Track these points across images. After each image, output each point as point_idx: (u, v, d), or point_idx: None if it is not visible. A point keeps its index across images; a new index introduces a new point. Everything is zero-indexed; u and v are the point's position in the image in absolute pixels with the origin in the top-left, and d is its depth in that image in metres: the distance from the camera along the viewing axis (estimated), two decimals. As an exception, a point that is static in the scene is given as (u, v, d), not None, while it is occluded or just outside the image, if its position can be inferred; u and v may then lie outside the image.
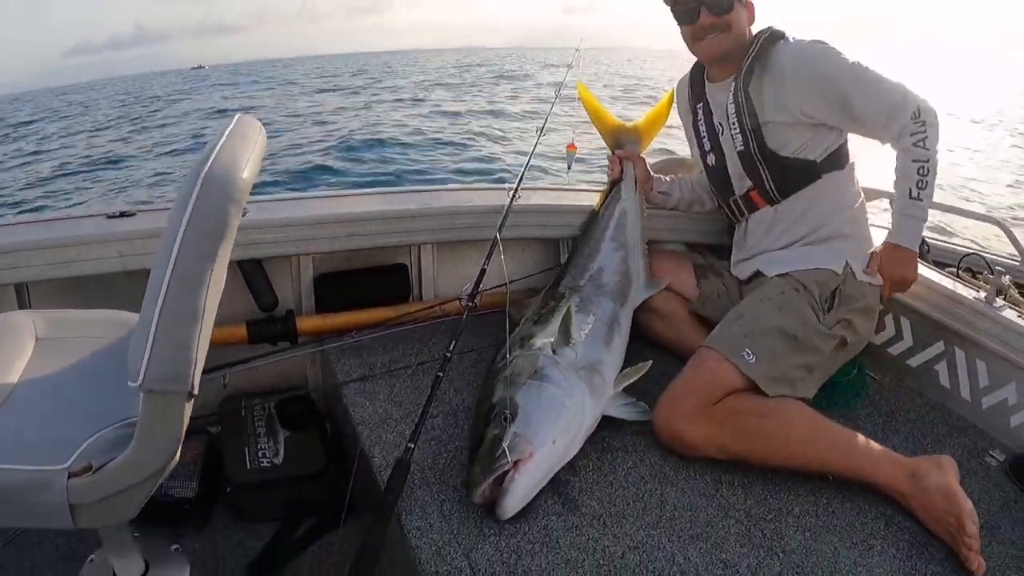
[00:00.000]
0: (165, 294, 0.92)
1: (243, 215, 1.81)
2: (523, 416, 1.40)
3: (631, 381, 1.63)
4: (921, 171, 1.67)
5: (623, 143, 2.20)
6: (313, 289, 2.04)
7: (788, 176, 1.82)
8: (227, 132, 1.04)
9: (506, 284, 1.69)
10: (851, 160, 1.87)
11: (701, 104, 1.98)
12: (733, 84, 1.82)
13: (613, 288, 1.91)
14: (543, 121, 2.13)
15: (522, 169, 2.01)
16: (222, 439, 1.81)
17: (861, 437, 1.52)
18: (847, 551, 1.33)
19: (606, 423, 1.59)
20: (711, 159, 1.98)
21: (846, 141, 1.84)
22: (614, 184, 2.11)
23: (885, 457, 1.49)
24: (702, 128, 1.98)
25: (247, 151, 1.05)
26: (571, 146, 2.23)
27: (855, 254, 1.80)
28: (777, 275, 1.81)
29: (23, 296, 1.72)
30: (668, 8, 1.86)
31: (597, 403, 1.54)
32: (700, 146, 2.01)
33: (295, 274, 2.03)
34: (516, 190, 1.97)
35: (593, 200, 2.19)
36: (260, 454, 1.75)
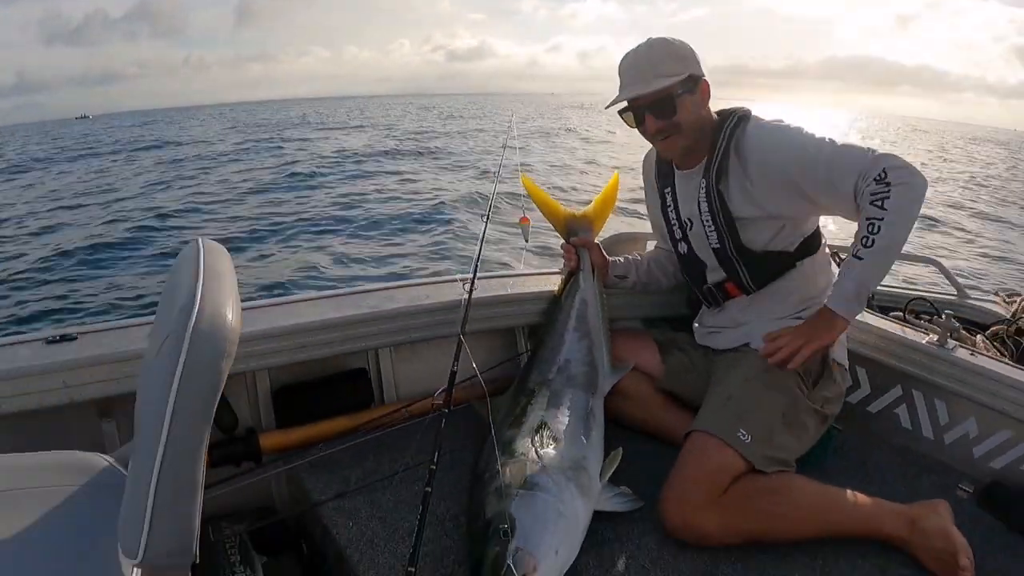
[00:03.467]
0: (160, 466, 0.86)
1: None
2: (521, 530, 1.37)
3: (611, 471, 1.64)
4: (871, 228, 1.57)
5: (576, 231, 2.19)
6: (272, 404, 1.96)
7: (764, 269, 1.81)
8: (201, 271, 0.98)
9: (481, 381, 1.65)
10: (824, 240, 1.88)
11: (669, 190, 1.94)
12: (704, 181, 1.77)
13: (582, 379, 1.91)
14: (487, 208, 2.13)
15: (474, 260, 1.99)
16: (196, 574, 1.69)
17: (860, 495, 1.60)
18: None
19: (595, 516, 1.57)
20: (682, 247, 1.96)
21: (819, 225, 1.85)
22: (572, 274, 2.11)
23: (887, 509, 1.57)
24: (671, 215, 1.96)
25: (227, 290, 1.00)
26: (523, 219, 2.21)
27: None
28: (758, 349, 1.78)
29: None
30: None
31: (588, 502, 1.54)
32: (670, 232, 1.99)
33: (251, 391, 1.95)
34: (472, 283, 1.96)
35: (545, 284, 2.20)
36: (240, 584, 1.64)
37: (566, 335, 2.02)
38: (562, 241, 2.19)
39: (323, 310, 1.95)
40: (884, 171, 1.55)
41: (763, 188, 1.71)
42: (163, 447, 0.86)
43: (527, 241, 2.21)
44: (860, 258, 1.60)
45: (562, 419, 1.75)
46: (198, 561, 0.94)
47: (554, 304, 2.13)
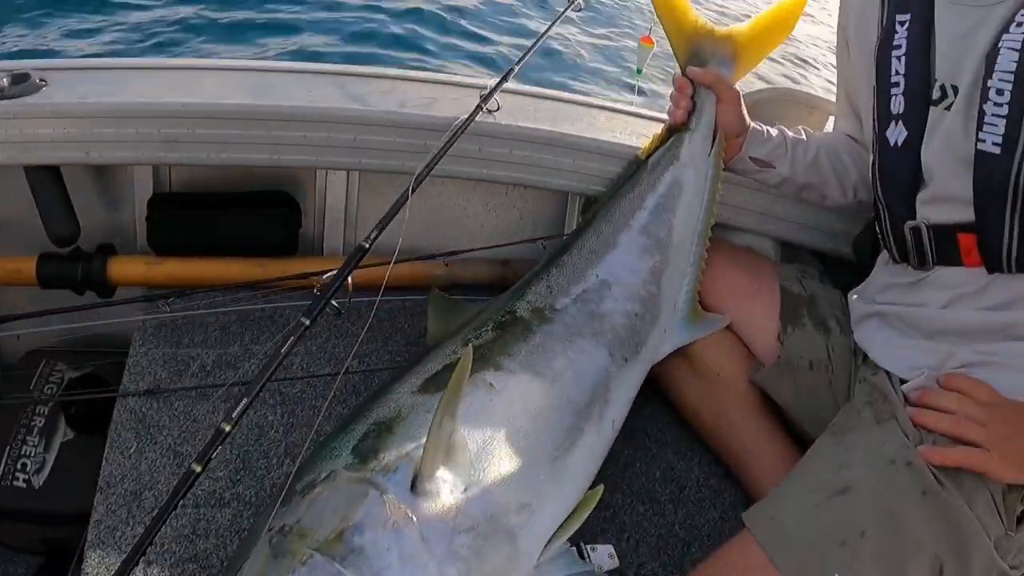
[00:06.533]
0: None
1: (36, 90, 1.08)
2: None
3: (573, 531, 0.86)
4: None
5: (704, 59, 1.22)
6: (148, 217, 1.30)
7: None
8: None
9: (391, 260, 0.94)
10: None
11: (909, 20, 1.00)
12: None
13: (618, 327, 1.04)
14: None
15: (520, 59, 1.22)
16: None
17: None
18: None
19: None
20: (898, 133, 1.01)
21: None
22: (674, 131, 1.20)
23: None
24: (899, 67, 1.00)
25: None
26: (645, 38, 1.49)
27: None
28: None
29: None
30: None
31: None
32: (882, 101, 1.03)
33: (124, 193, 1.33)
34: (491, 94, 1.18)
35: (631, 136, 1.30)
36: (20, 464, 1.19)
37: (623, 235, 1.15)
38: (676, 71, 1.25)
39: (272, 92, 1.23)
40: None
41: None
42: None
43: (639, 71, 1.57)
44: None
45: (531, 399, 0.92)
46: None
47: (629, 172, 1.24)
